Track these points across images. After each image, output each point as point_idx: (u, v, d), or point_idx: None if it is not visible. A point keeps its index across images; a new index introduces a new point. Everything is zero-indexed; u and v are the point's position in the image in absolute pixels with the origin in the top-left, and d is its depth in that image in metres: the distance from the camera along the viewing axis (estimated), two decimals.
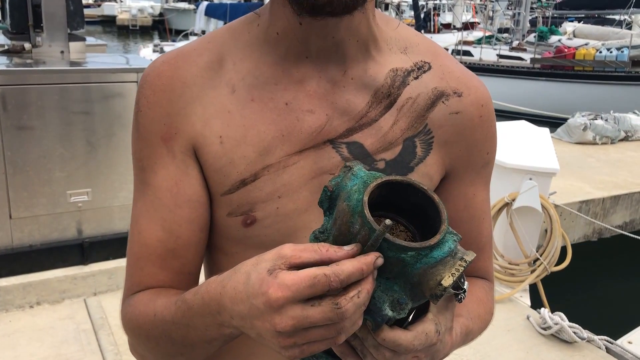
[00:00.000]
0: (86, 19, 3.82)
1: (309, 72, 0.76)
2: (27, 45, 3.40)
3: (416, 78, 0.78)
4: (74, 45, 3.49)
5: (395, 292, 0.58)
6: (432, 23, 18.33)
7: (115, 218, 3.14)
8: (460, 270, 0.56)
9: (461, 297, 0.60)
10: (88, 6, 35.04)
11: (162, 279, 0.78)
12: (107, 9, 38.28)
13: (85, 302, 3.02)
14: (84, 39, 3.65)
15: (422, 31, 9.56)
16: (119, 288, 3.13)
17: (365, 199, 0.56)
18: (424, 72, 0.79)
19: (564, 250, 3.82)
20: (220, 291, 0.61)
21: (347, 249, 0.57)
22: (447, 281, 0.56)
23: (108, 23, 36.71)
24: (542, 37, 15.41)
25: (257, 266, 0.57)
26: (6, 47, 3.50)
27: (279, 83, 0.76)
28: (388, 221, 0.55)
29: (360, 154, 0.76)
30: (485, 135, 0.82)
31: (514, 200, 3.59)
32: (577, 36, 15.74)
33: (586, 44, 14.24)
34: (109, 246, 3.13)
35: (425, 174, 0.78)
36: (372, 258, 0.56)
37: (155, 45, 15.71)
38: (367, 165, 0.73)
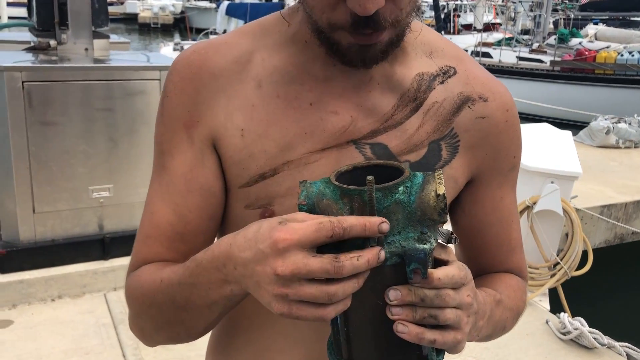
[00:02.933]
0: (109, 17, 3.85)
1: (335, 75, 0.76)
2: (52, 42, 3.45)
3: (442, 82, 0.79)
4: (98, 43, 3.53)
5: (412, 233, 0.59)
6: (452, 24, 18.22)
7: (136, 214, 3.16)
8: (442, 177, 0.61)
9: (454, 238, 0.64)
10: (111, 4, 35.38)
11: (167, 259, 0.80)
12: (130, 6, 38.64)
13: (106, 296, 3.06)
14: (107, 37, 3.69)
15: (442, 32, 9.50)
16: None
17: (335, 182, 0.60)
18: (450, 76, 0.80)
19: (584, 254, 3.78)
20: (231, 242, 0.63)
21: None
22: (441, 189, 0.59)
23: (130, 21, 37.06)
24: (562, 40, 15.24)
25: (270, 219, 0.61)
26: (32, 44, 3.56)
27: (304, 84, 0.77)
28: (370, 177, 0.57)
29: (385, 155, 0.77)
30: (511, 139, 0.83)
31: (535, 203, 3.56)
32: (599, 39, 15.55)
33: (607, 47, 14.06)
34: (130, 242, 3.13)
35: (450, 177, 0.79)
36: (377, 219, 0.57)
37: (176, 44, 15.80)
38: None
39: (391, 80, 0.77)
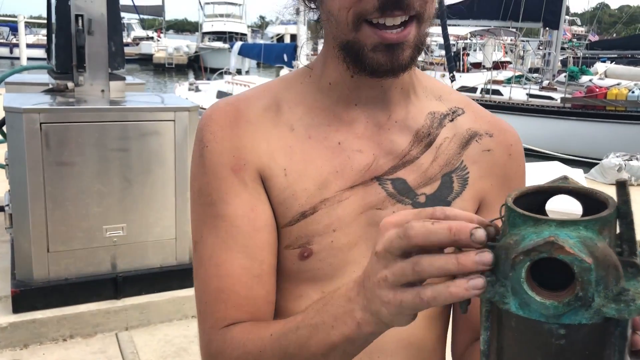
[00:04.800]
0: (125, 58, 3.96)
1: (358, 116, 0.83)
2: (70, 85, 3.54)
3: (452, 120, 0.86)
4: (114, 84, 3.61)
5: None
6: (461, 62, 18.42)
7: (149, 253, 3.19)
8: None
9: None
10: (127, 44, 36.20)
11: (249, 310, 0.77)
12: (145, 47, 39.51)
13: (117, 336, 3.05)
14: (123, 79, 3.78)
15: (453, 71, 9.60)
16: (150, 323, 3.15)
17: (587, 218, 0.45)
18: (458, 115, 0.87)
19: None
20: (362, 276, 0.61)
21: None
22: None
23: (145, 61, 37.84)
24: (572, 77, 15.33)
25: None
26: (51, 86, 3.65)
27: (331, 125, 0.82)
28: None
29: (404, 189, 0.82)
30: (515, 172, 0.89)
31: None
32: (609, 76, 15.63)
33: (618, 84, 14.11)
34: (142, 281, 3.17)
35: (462, 209, 0.81)
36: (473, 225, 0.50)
37: (191, 84, 16.08)
38: (410, 199, 0.81)
39: (407, 119, 0.84)
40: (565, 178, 0.53)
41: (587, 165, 7.96)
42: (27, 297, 2.98)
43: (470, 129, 0.86)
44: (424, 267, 0.51)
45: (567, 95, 14.16)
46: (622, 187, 0.45)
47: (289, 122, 0.83)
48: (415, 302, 0.52)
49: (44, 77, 4.24)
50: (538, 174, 3.82)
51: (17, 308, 2.97)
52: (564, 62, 19.31)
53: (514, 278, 0.45)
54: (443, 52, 15.25)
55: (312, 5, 0.81)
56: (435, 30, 16.14)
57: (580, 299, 0.43)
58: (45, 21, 4.34)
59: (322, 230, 0.79)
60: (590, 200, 0.50)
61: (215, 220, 0.79)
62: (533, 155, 11.69)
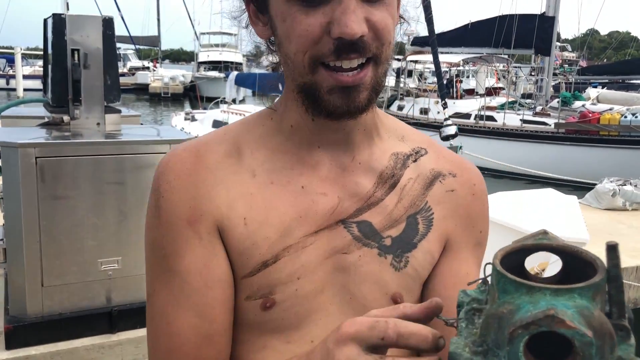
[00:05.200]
0: (120, 87, 3.99)
1: (321, 159, 0.82)
2: (65, 118, 3.56)
3: (415, 161, 0.86)
4: (109, 117, 3.63)
5: None
6: (454, 89, 18.60)
7: (144, 286, 3.16)
8: None
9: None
10: (123, 75, 36.46)
11: None
12: (141, 77, 39.79)
13: None
14: (119, 111, 3.81)
15: (444, 98, 9.68)
16: (145, 358, 3.11)
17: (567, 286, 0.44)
18: (422, 155, 0.87)
19: None
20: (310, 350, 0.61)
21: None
22: None
23: (141, 91, 38.06)
24: (565, 103, 15.49)
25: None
26: (46, 120, 3.67)
27: (294, 168, 0.81)
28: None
29: (370, 232, 0.81)
30: (478, 213, 0.89)
31: (544, 270, 3.53)
32: (601, 101, 15.80)
33: (611, 109, 14.26)
34: (137, 315, 3.15)
35: (427, 250, 0.83)
36: (436, 332, 0.53)
37: (187, 113, 16.17)
38: (375, 242, 0.79)
39: (370, 160, 0.83)
40: (545, 233, 0.51)
41: (581, 189, 7.99)
42: (20, 333, 2.95)
43: (433, 169, 0.86)
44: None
45: (561, 121, 14.30)
46: (612, 250, 0.44)
47: (250, 167, 0.81)
48: None
49: (40, 111, 4.26)
50: (532, 201, 3.84)
51: (10, 344, 2.93)
52: (556, 88, 19.53)
53: (511, 352, 0.43)
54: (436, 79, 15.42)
55: (273, 48, 0.81)
56: (428, 57, 16.33)
57: None
58: (41, 52, 4.39)
59: (285, 279, 0.77)
60: (572, 258, 0.49)
61: (168, 275, 0.78)
62: (527, 180, 11.75)
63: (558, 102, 15.60)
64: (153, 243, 0.80)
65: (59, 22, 3.34)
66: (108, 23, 3.44)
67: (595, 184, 7.68)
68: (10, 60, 38.03)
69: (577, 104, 15.64)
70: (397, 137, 0.87)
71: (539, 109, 16.05)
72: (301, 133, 0.81)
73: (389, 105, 18.45)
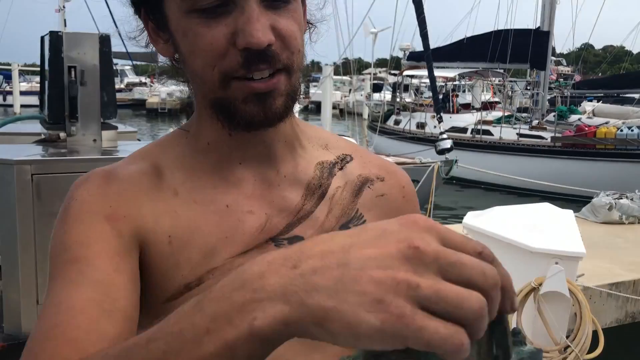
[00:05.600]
0: (117, 103, 4.00)
1: (244, 175, 0.78)
2: (62, 135, 3.56)
3: (341, 169, 0.84)
4: (106, 134, 3.64)
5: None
6: (451, 104, 18.68)
7: None
8: None
9: None
10: (120, 90, 36.57)
11: (90, 347, 0.56)
12: (138, 93, 39.92)
13: None
14: (116, 128, 3.82)
15: (442, 112, 9.73)
16: None
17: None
18: (347, 162, 0.85)
19: (596, 335, 3.70)
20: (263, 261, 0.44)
21: None
22: None
23: (138, 106, 38.16)
24: (561, 117, 15.56)
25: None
26: (43, 137, 3.68)
27: (217, 187, 0.77)
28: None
29: None
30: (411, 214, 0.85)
31: (540, 284, 3.53)
32: (597, 115, 15.88)
33: (606, 123, 14.33)
34: None
35: None
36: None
37: None
38: None
39: (296, 172, 0.80)
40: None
41: (577, 203, 8.00)
42: (14, 351, 2.92)
43: (360, 175, 0.84)
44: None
45: (557, 135, 14.35)
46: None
47: (171, 186, 0.76)
48: (440, 336, 0.37)
49: (37, 127, 4.27)
50: (528, 216, 3.85)
51: None
52: (552, 102, 19.63)
53: None
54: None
55: (179, 66, 0.76)
56: (424, 72, 16.44)
57: None
58: (38, 69, 4.41)
59: None
60: None
61: (66, 265, 0.65)
62: (523, 194, 11.77)
63: (554, 116, 15.67)
64: (53, 247, 0.69)
65: (56, 39, 3.36)
66: (105, 40, 3.46)
67: (591, 198, 7.70)
68: (8, 77, 38.16)
69: (573, 117, 15.71)
70: (321, 146, 0.85)
71: (535, 122, 16.12)
72: (220, 150, 0.78)
73: (385, 120, 18.51)
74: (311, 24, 0.81)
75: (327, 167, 0.83)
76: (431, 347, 0.37)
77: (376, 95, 23.53)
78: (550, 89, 19.67)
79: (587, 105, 18.29)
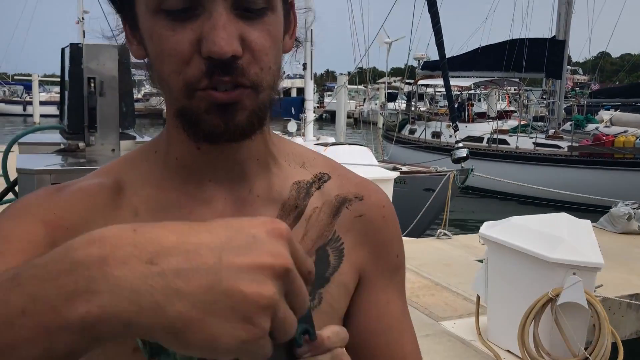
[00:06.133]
0: (135, 112, 4.05)
1: (214, 193, 0.73)
2: (81, 145, 3.62)
3: (318, 188, 0.79)
4: (124, 144, 3.69)
5: None
6: (466, 113, 18.62)
7: None
8: None
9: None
10: (137, 100, 36.92)
11: None
12: (155, 103, 40.27)
13: None
14: (134, 137, 3.86)
15: (455, 122, 9.70)
16: None
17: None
18: (325, 181, 0.80)
19: (615, 347, 3.65)
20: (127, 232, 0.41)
21: None
22: None
23: (155, 116, 38.50)
24: (578, 126, 15.44)
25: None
26: (62, 147, 3.73)
27: (183, 207, 0.72)
28: None
29: None
30: (391, 236, 0.82)
31: (558, 295, 3.49)
32: (615, 124, 15.72)
33: (625, 132, 14.19)
34: None
35: (341, 284, 0.76)
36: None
37: None
38: None
39: (270, 192, 0.75)
40: None
41: (595, 213, 7.91)
42: None
43: (338, 195, 0.79)
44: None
45: (574, 144, 14.23)
46: None
47: (132, 205, 0.71)
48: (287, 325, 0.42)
49: (56, 137, 4.33)
50: (545, 226, 3.82)
51: None
52: (568, 110, 19.48)
53: None
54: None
55: (149, 72, 0.72)
56: (439, 81, 16.41)
57: None
58: (58, 79, 4.48)
59: None
60: None
61: None
62: (540, 204, 11.66)
63: (571, 125, 15.55)
64: None
65: (76, 51, 3.41)
66: (124, 52, 3.51)
67: (609, 208, 7.62)
68: (28, 87, 38.76)
69: (591, 126, 15.58)
70: (298, 164, 0.80)
71: (551, 132, 16.01)
72: (189, 166, 0.72)
73: (400, 129, 18.50)
74: (299, 42, 0.76)
75: (303, 187, 0.78)
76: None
77: (390, 105, 23.53)
78: (566, 97, 19.53)
79: (605, 114, 18.11)
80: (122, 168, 0.75)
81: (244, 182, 0.74)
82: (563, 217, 3.95)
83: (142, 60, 0.71)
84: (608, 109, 20.53)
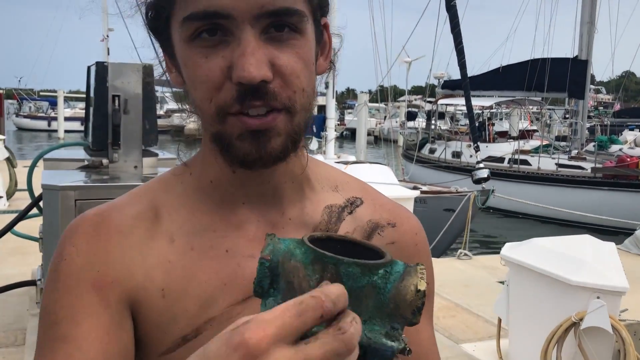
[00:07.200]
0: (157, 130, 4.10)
1: (248, 216, 0.74)
2: (104, 161, 3.67)
3: (350, 213, 0.79)
4: (146, 161, 3.73)
5: (379, 326, 0.50)
6: (487, 132, 18.51)
7: None
8: (424, 272, 0.53)
9: (408, 350, 0.52)
10: (159, 117, 37.40)
11: None
12: (177, 119, 40.78)
13: None
14: (156, 155, 3.91)
15: (477, 141, 9.65)
16: None
17: (310, 244, 0.50)
18: (357, 206, 0.80)
19: None
20: None
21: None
22: (422, 284, 0.51)
23: (177, 132, 38.95)
24: (601, 147, 15.25)
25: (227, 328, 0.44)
26: (86, 163, 3.79)
27: (217, 230, 0.73)
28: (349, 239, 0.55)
29: None
30: (424, 263, 0.80)
31: (581, 319, 3.42)
32: (639, 145, 15.49)
33: None
34: None
35: None
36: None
37: None
38: None
39: (302, 215, 0.76)
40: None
41: (620, 235, 7.78)
42: None
43: (370, 220, 0.79)
44: None
45: (598, 165, 14.04)
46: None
47: (168, 231, 0.72)
48: None
49: (81, 153, 4.41)
50: (568, 248, 3.75)
51: None
52: (591, 130, 19.26)
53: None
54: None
55: (187, 97, 0.74)
56: (460, 100, 16.37)
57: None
58: (82, 95, 4.57)
59: None
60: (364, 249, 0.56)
61: (56, 343, 0.65)
62: (563, 225, 11.49)
63: (594, 145, 15.36)
64: (44, 310, 0.68)
65: (101, 69, 3.48)
66: (148, 70, 3.57)
67: (634, 230, 7.48)
68: (53, 103, 39.53)
69: (614, 147, 15.39)
70: (331, 187, 0.80)
71: (574, 152, 15.83)
72: (223, 189, 0.74)
73: (420, 148, 18.44)
74: (333, 64, 0.77)
75: (335, 212, 0.78)
76: None
77: (410, 123, 23.50)
78: (589, 117, 19.32)
79: (629, 135, 17.88)
80: (157, 191, 0.76)
81: (278, 206, 0.75)
82: (587, 239, 3.89)
83: (180, 89, 0.74)
84: (632, 129, 20.27)
